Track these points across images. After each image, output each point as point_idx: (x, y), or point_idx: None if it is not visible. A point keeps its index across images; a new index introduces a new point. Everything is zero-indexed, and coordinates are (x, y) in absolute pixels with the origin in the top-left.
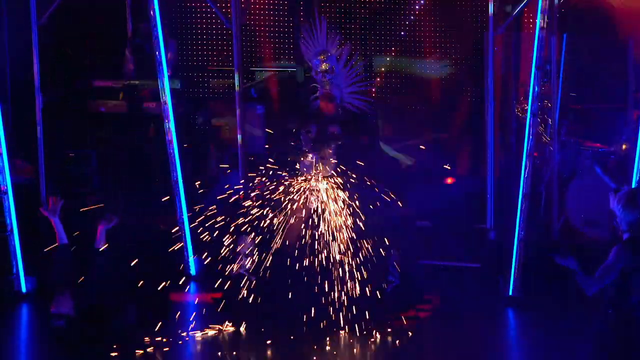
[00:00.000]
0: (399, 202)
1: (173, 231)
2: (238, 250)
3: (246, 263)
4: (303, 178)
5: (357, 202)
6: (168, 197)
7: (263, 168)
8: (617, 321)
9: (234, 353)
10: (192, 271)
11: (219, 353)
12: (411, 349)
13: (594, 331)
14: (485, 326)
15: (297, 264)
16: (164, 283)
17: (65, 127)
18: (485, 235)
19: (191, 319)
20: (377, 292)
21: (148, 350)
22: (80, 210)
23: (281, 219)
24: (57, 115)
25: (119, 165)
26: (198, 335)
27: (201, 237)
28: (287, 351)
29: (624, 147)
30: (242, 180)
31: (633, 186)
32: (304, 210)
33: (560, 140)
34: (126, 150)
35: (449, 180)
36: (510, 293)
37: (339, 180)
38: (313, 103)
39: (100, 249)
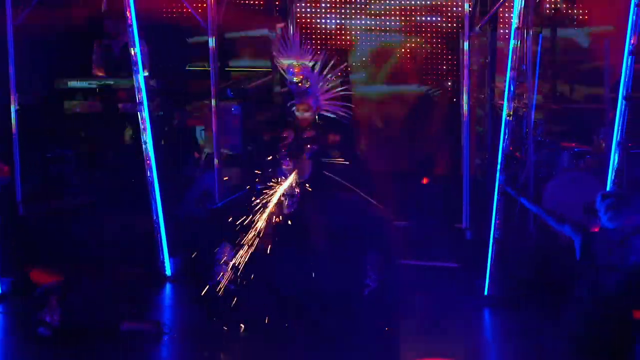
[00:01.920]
0: (376, 203)
1: None
2: (218, 258)
3: (226, 270)
4: (279, 183)
5: (333, 205)
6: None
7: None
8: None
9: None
10: (168, 271)
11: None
12: (389, 348)
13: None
14: (461, 325)
15: (274, 267)
16: None
17: (43, 127)
18: (462, 235)
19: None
20: (355, 295)
21: None
22: None
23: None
24: (35, 116)
25: (97, 164)
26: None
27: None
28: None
29: (602, 145)
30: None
31: (608, 187)
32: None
33: (536, 140)
34: (104, 149)
35: (425, 181)
36: (487, 292)
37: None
38: (290, 110)
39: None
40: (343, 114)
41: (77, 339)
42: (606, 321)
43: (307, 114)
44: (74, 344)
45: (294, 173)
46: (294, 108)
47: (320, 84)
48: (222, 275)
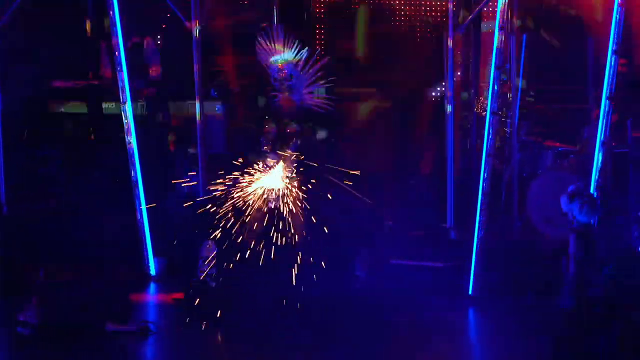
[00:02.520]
0: (366, 200)
1: None
2: (201, 255)
3: (208, 268)
4: (263, 178)
5: (319, 201)
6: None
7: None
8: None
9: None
10: (152, 271)
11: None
12: (373, 348)
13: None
14: (445, 325)
15: (260, 264)
16: None
17: (29, 127)
18: (446, 234)
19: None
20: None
21: None
22: None
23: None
24: (20, 116)
25: (83, 164)
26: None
27: None
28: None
29: (586, 145)
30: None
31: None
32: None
33: (520, 139)
34: (91, 149)
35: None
36: (471, 292)
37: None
38: (273, 103)
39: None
40: (326, 107)
41: (61, 339)
42: (606, 320)
43: (290, 109)
44: (56, 344)
45: (277, 167)
46: (277, 100)
47: (304, 79)
48: (205, 272)
